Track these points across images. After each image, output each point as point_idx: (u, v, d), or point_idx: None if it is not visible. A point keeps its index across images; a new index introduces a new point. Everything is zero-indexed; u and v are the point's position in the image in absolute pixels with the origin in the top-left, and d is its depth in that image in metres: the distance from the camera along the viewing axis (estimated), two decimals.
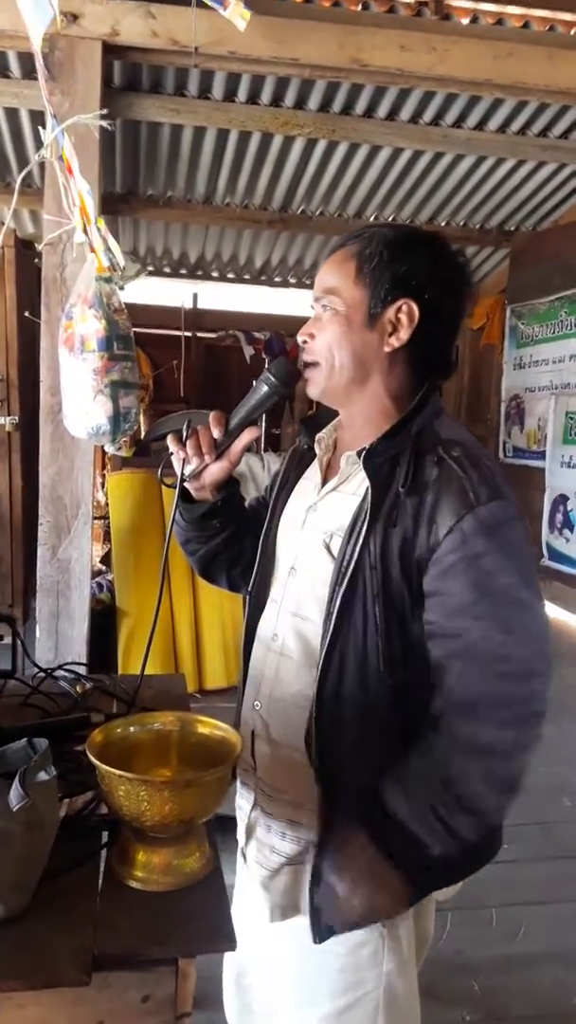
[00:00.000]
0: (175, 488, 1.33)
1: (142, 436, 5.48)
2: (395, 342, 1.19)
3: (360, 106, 3.77)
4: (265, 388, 1.28)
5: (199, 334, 7.12)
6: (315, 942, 1.18)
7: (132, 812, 0.96)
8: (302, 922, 1.23)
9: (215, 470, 1.31)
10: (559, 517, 5.07)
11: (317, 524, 1.23)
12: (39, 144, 2.19)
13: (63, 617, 3.03)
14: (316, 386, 1.24)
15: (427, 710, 1.14)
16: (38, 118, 3.28)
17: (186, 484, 1.33)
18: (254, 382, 1.30)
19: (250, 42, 2.85)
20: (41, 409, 2.93)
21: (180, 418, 1.36)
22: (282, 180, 4.68)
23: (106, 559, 4.44)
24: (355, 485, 1.20)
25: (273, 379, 1.27)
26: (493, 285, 6.45)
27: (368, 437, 1.18)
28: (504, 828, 3.00)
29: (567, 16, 3.84)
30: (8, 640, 1.67)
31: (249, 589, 1.36)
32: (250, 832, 1.30)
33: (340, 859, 1.13)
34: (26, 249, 4.30)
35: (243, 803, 1.33)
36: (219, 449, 1.30)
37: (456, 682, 1.11)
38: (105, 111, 2.64)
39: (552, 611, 5.48)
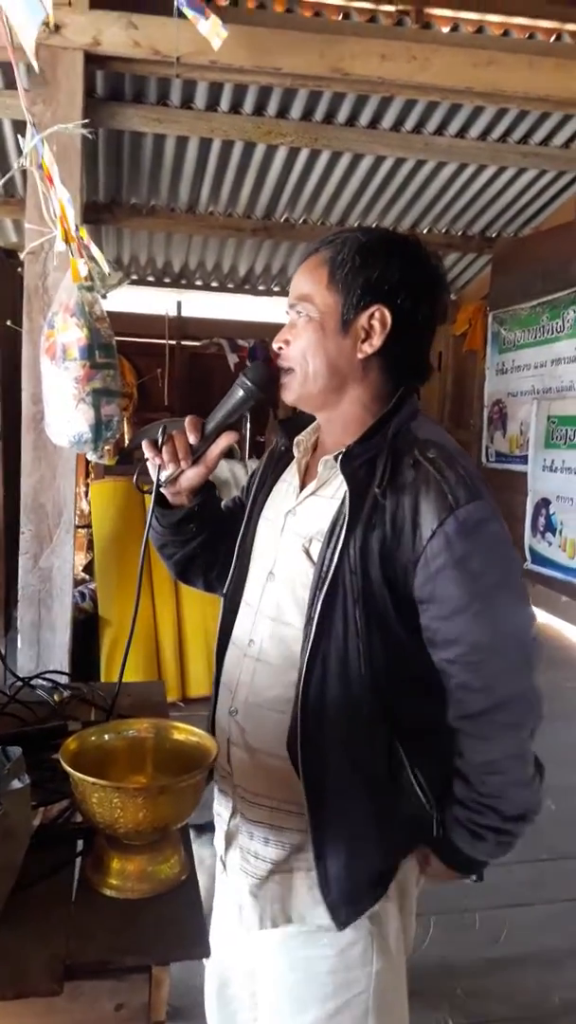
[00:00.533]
0: (151, 494, 1.33)
1: (125, 444, 5.48)
2: (368, 348, 1.17)
3: (342, 114, 3.79)
4: (241, 392, 1.27)
5: (183, 342, 7.13)
6: (339, 929, 1.18)
7: (106, 819, 0.96)
8: (290, 928, 1.22)
9: (191, 475, 1.31)
10: (541, 521, 5.10)
11: (297, 529, 1.23)
12: (21, 154, 2.19)
13: (45, 626, 3.02)
14: (291, 392, 1.23)
15: (416, 712, 1.16)
16: (22, 128, 3.29)
17: (162, 489, 1.32)
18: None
19: (232, 52, 2.86)
20: (23, 417, 2.93)
21: (161, 426, 1.35)
22: (265, 188, 4.70)
23: (89, 568, 4.43)
24: (333, 489, 1.19)
25: (249, 383, 1.26)
26: (475, 291, 6.49)
27: (346, 440, 1.18)
28: None
29: (546, 24, 3.89)
30: None
31: (224, 592, 1.35)
32: (231, 839, 1.29)
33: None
34: (8, 258, 4.31)
35: (222, 810, 1.32)
36: (195, 454, 1.30)
37: (460, 690, 1.14)
38: (86, 120, 2.65)
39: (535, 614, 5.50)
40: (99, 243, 5.40)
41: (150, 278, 6.32)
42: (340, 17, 3.19)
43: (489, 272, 6.03)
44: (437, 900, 2.53)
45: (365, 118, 3.83)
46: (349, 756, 1.16)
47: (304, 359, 1.20)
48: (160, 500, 1.35)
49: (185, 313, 7.11)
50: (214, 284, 6.46)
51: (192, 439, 1.29)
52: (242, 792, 1.25)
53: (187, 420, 1.29)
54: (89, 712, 1.49)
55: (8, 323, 3.19)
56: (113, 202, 4.80)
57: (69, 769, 0.96)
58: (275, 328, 1.29)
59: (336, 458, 1.15)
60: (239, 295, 6.49)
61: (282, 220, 5.15)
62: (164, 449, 1.28)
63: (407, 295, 1.17)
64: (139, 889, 0.99)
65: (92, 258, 2.37)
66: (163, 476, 1.30)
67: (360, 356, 1.18)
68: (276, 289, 6.39)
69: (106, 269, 2.41)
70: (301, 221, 5.16)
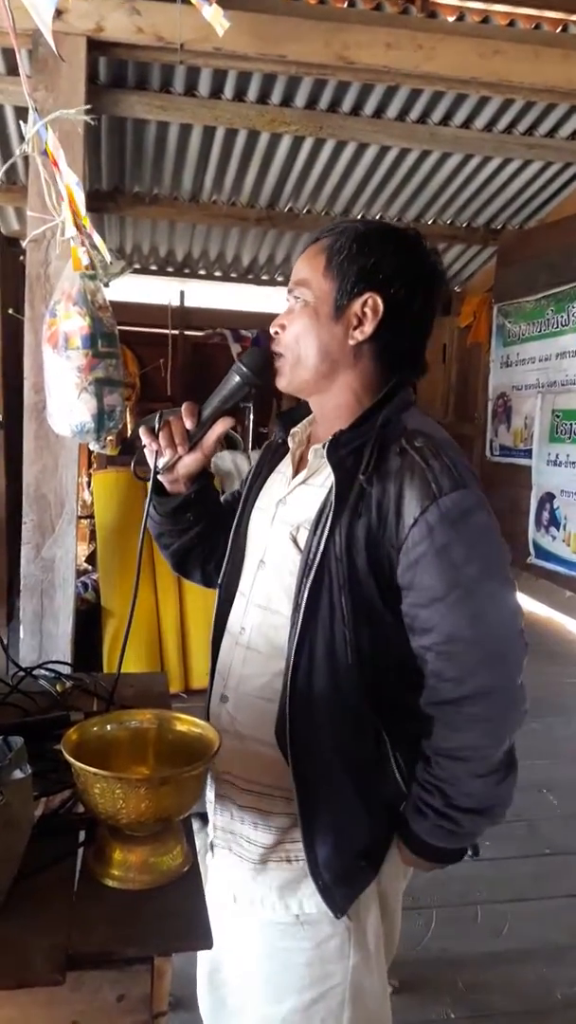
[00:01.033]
0: (148, 481, 1.32)
1: (128, 435, 5.47)
2: (359, 335, 1.18)
3: (347, 104, 3.77)
4: (236, 378, 1.27)
5: (186, 332, 7.11)
6: (337, 917, 1.19)
7: (108, 810, 0.95)
8: (269, 917, 1.24)
9: (189, 462, 1.31)
10: (545, 515, 5.09)
11: (285, 517, 1.24)
12: (24, 141, 2.18)
13: (47, 616, 3.02)
14: (283, 377, 1.24)
15: (400, 698, 1.17)
16: (24, 115, 3.27)
17: (160, 477, 1.32)
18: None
19: (236, 39, 2.84)
20: (25, 407, 2.92)
21: (158, 414, 1.35)
22: (269, 178, 4.67)
23: (91, 558, 4.43)
24: (323, 478, 1.20)
25: (245, 369, 1.26)
26: (480, 283, 6.47)
27: (337, 429, 1.19)
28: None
29: (553, 14, 3.87)
30: None
31: (219, 582, 1.36)
32: (220, 825, 1.30)
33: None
34: (10, 246, 4.29)
35: (212, 796, 1.33)
36: (192, 440, 1.30)
37: (433, 677, 1.14)
38: (89, 106, 2.63)
39: (538, 609, 5.50)
40: (102, 232, 5.39)
41: (153, 267, 6.30)
42: (345, 5, 3.16)
43: (494, 264, 6.01)
44: (440, 894, 2.54)
45: (370, 107, 3.81)
46: (336, 742, 1.17)
47: (296, 343, 1.21)
48: (158, 488, 1.35)
49: (188, 303, 7.09)
50: (217, 273, 6.44)
51: (189, 425, 1.29)
52: (231, 778, 1.26)
53: (183, 406, 1.30)
54: (91, 702, 1.48)
55: (10, 311, 3.18)
56: (116, 190, 4.78)
57: (71, 759, 0.96)
58: None
59: (324, 446, 1.16)
60: (242, 285, 6.47)
61: (286, 209, 5.13)
62: (161, 435, 1.28)
63: (401, 285, 1.18)
64: (141, 880, 0.98)
65: (94, 246, 2.36)
66: (160, 463, 1.30)
67: (351, 343, 1.19)
68: (279, 279, 6.37)
69: (107, 258, 2.39)
70: (305, 211, 5.15)
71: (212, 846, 1.32)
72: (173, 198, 4.94)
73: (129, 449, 5.04)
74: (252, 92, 3.65)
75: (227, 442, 5.08)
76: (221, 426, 1.29)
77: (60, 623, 3.04)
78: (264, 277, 6.43)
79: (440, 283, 1.24)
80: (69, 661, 2.81)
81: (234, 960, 1.39)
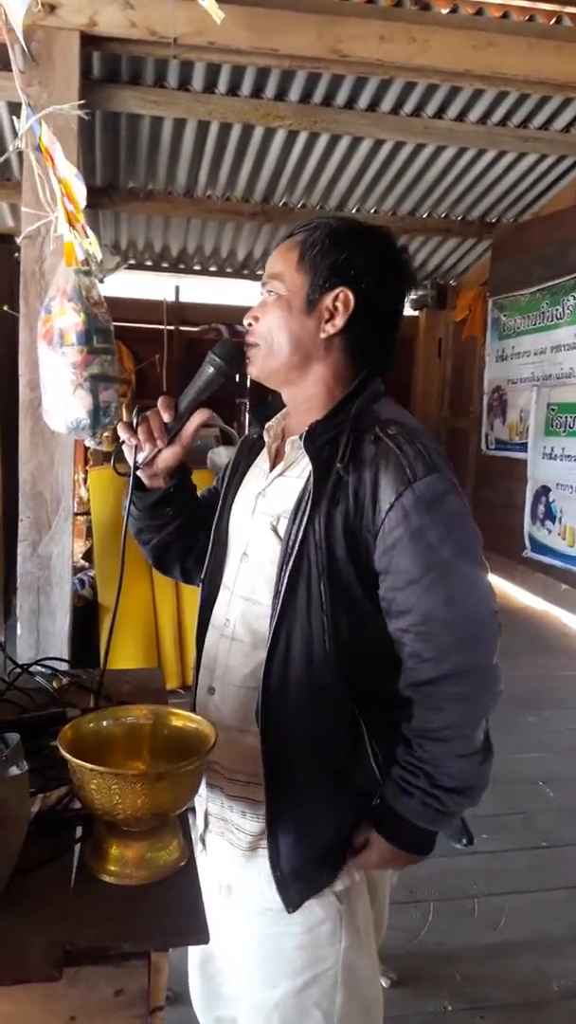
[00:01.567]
0: (128, 477, 1.33)
1: None
2: (331, 329, 1.21)
3: (341, 97, 3.76)
4: (211, 369, 1.29)
5: (181, 328, 7.10)
6: (289, 911, 1.21)
7: (104, 806, 0.95)
8: (260, 904, 1.25)
9: (167, 455, 1.32)
10: (541, 508, 5.09)
11: (265, 509, 1.26)
12: (17, 136, 2.17)
13: (44, 614, 3.01)
14: (256, 367, 1.26)
15: (378, 686, 1.19)
16: (17, 110, 3.26)
17: (139, 472, 1.33)
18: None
19: (229, 32, 2.83)
20: (20, 404, 2.91)
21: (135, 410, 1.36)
22: (263, 172, 4.67)
23: (88, 555, 4.42)
24: (300, 469, 1.23)
25: (219, 360, 1.28)
26: (475, 277, 6.47)
27: (310, 421, 1.22)
28: (486, 819, 3.01)
29: (546, 6, 3.84)
30: None
31: (202, 576, 1.38)
32: (209, 815, 1.32)
33: (366, 857, 1.22)
34: (4, 242, 4.27)
35: (202, 788, 1.34)
36: (170, 433, 1.31)
37: (411, 659, 1.16)
38: (83, 101, 2.62)
39: (534, 602, 5.51)
40: (96, 227, 5.37)
41: (148, 263, 6.29)
42: None
43: (489, 258, 6.01)
44: (437, 887, 2.55)
45: (364, 101, 3.81)
46: (312, 729, 1.19)
47: (270, 334, 1.23)
48: (137, 484, 1.36)
49: (183, 298, 7.07)
50: (212, 268, 6.43)
51: (166, 418, 1.30)
52: (220, 768, 1.28)
53: (159, 400, 1.31)
54: (88, 699, 1.48)
55: (5, 308, 3.17)
56: (110, 186, 4.77)
57: (67, 755, 0.96)
58: None
59: (300, 437, 1.19)
60: (237, 280, 6.47)
61: (280, 204, 5.12)
62: (140, 430, 1.29)
63: (372, 280, 1.21)
64: (138, 875, 0.99)
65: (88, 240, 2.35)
66: (140, 457, 1.30)
67: (323, 335, 1.22)
68: None
69: (99, 254, 2.38)
70: (300, 205, 5.14)
71: (203, 840, 1.34)
72: (168, 193, 4.93)
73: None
74: (246, 86, 3.64)
75: (223, 438, 5.08)
76: (198, 417, 1.31)
77: (57, 620, 3.04)
78: (259, 272, 6.40)
79: (408, 279, 1.28)
80: (66, 658, 2.81)
81: (229, 949, 1.40)
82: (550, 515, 5.01)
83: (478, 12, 3.28)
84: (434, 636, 1.14)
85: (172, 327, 7.07)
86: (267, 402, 1.39)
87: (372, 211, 5.28)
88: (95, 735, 1.08)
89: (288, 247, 1.25)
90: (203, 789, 1.32)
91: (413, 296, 7.15)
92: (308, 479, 1.17)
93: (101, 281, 2.56)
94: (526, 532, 5.20)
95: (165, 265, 6.35)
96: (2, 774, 0.90)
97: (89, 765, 0.94)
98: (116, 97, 3.50)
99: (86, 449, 4.98)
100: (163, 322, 6.98)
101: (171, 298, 7.02)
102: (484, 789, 1.21)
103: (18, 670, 1.54)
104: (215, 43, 2.92)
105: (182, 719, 1.11)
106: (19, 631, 3.04)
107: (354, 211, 5.23)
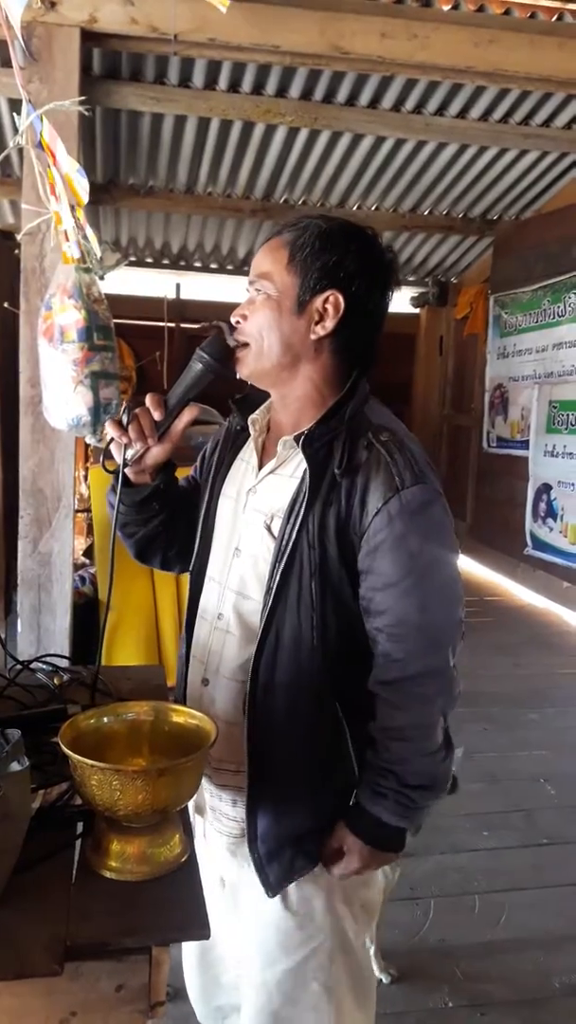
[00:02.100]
0: (116, 473, 1.33)
1: None
2: (321, 331, 1.23)
3: (342, 94, 3.75)
4: (199, 366, 1.29)
5: (182, 324, 7.09)
6: (269, 895, 1.25)
7: (105, 802, 0.96)
8: (251, 887, 1.28)
9: (156, 452, 1.33)
10: (542, 506, 5.09)
11: (258, 506, 1.29)
12: (17, 132, 2.17)
13: (45, 611, 3.01)
14: (246, 366, 1.28)
15: (360, 681, 1.23)
16: (18, 108, 3.26)
17: (127, 469, 1.33)
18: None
19: (230, 28, 2.83)
20: (21, 401, 2.91)
21: (124, 407, 1.36)
22: (264, 169, 4.66)
23: (89, 552, 4.42)
24: (292, 468, 1.26)
25: (207, 357, 1.28)
26: (476, 274, 6.46)
27: (301, 420, 1.26)
28: (487, 816, 3.01)
29: (548, 3, 3.83)
30: None
31: (191, 569, 1.41)
32: (201, 805, 1.36)
33: (338, 858, 1.26)
34: (4, 239, 4.28)
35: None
36: (160, 430, 1.32)
37: (382, 658, 1.21)
38: (83, 97, 2.61)
39: (535, 600, 5.51)
40: (96, 224, 5.37)
41: (148, 260, 6.28)
42: None
43: (490, 255, 6.00)
44: (437, 884, 2.55)
45: (365, 97, 3.80)
46: (296, 721, 1.23)
47: (260, 335, 1.25)
48: (124, 480, 1.36)
49: (184, 295, 7.07)
50: (213, 266, 6.42)
51: (157, 416, 1.31)
52: (210, 758, 1.29)
53: (148, 397, 1.31)
54: (89, 696, 1.48)
55: (5, 305, 3.17)
56: (111, 183, 4.76)
57: (68, 752, 0.96)
58: None
59: (297, 440, 1.21)
60: (238, 277, 6.45)
61: (281, 201, 5.11)
62: (131, 428, 1.30)
63: (361, 283, 1.23)
64: (139, 871, 0.99)
65: (86, 238, 2.35)
66: (129, 454, 1.31)
67: (313, 337, 1.24)
68: None
69: (97, 252, 2.37)
70: (300, 202, 5.13)
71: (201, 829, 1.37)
72: (168, 190, 4.92)
73: None
74: (247, 83, 3.63)
75: None
76: (188, 414, 1.32)
77: (57, 617, 3.04)
78: None
79: (394, 282, 1.30)
80: (67, 655, 2.81)
81: (229, 937, 1.43)
82: (551, 513, 5.01)
83: (480, 9, 3.27)
84: (404, 639, 1.20)
85: (172, 324, 7.07)
86: (248, 393, 1.39)
87: (373, 208, 5.28)
88: (96, 731, 1.08)
89: (276, 246, 1.25)
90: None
91: (414, 294, 7.15)
92: (302, 480, 1.20)
93: (101, 278, 2.55)
94: (527, 530, 5.20)
95: (166, 262, 6.34)
96: (3, 770, 0.91)
97: (90, 761, 0.94)
98: (116, 94, 3.49)
99: (86, 446, 4.98)
100: (164, 319, 6.98)
101: (171, 295, 7.02)
102: (448, 782, 1.27)
103: (19, 666, 1.55)
104: (216, 39, 2.91)
105: (183, 715, 1.12)
106: (19, 628, 3.05)
107: (355, 208, 5.23)
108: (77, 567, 3.86)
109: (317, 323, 1.23)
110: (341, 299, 1.21)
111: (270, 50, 3.02)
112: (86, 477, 4.58)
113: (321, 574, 1.19)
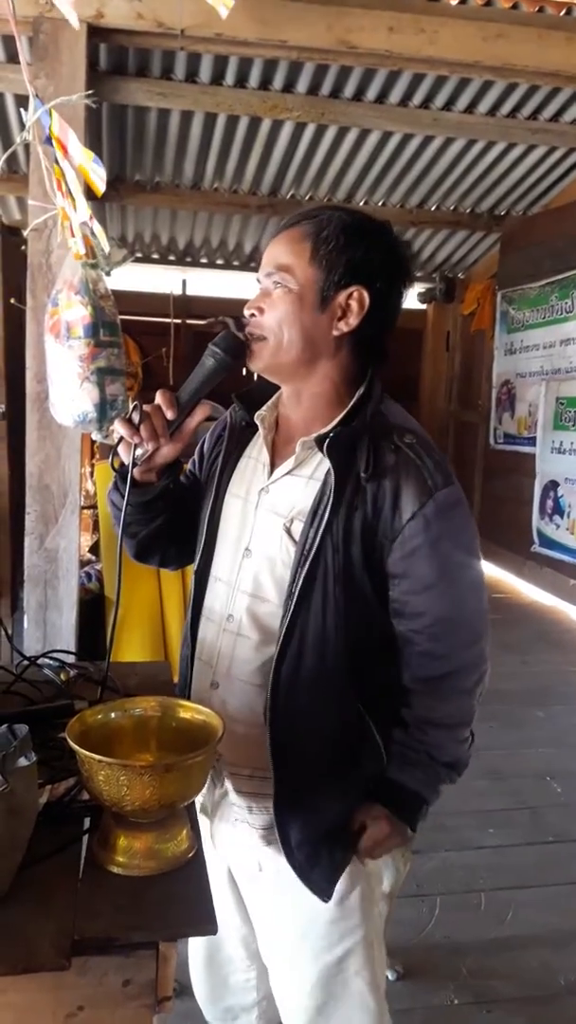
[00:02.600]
0: (123, 473, 1.29)
1: None
2: (344, 327, 1.20)
3: (349, 89, 3.74)
4: (212, 362, 1.26)
5: (188, 321, 7.09)
6: (325, 901, 1.23)
7: (113, 797, 0.96)
8: (286, 887, 1.25)
9: (166, 452, 1.28)
10: (549, 503, 5.08)
11: (273, 507, 1.25)
12: (24, 128, 2.16)
13: (51, 607, 3.02)
14: (261, 360, 1.24)
15: (379, 677, 1.23)
16: (25, 103, 3.26)
17: (135, 469, 1.29)
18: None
19: (237, 24, 2.82)
20: (27, 397, 2.91)
21: (134, 405, 1.32)
22: (271, 164, 4.65)
23: (95, 548, 4.42)
24: (311, 469, 1.23)
25: (220, 352, 1.25)
26: (484, 270, 6.44)
27: (316, 419, 1.23)
28: (493, 813, 3.01)
29: None
30: None
31: (195, 568, 1.37)
32: (216, 809, 1.33)
33: (374, 832, 1.25)
34: (11, 235, 4.28)
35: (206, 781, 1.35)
36: (171, 429, 1.27)
37: (422, 657, 1.22)
38: (90, 92, 2.61)
39: (542, 597, 5.50)
40: (103, 220, 5.36)
41: (155, 256, 6.28)
42: None
43: (498, 251, 5.98)
44: (443, 881, 2.55)
45: (372, 92, 3.78)
46: (320, 722, 1.22)
47: (280, 329, 1.21)
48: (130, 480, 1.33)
49: (190, 291, 7.06)
50: (219, 261, 6.42)
51: (169, 415, 1.26)
52: (224, 763, 1.29)
53: (159, 395, 1.27)
54: (96, 691, 1.48)
55: (12, 301, 3.17)
56: (117, 179, 4.75)
57: (76, 747, 0.96)
58: None
59: (319, 442, 1.18)
60: (244, 272, 6.44)
61: (288, 196, 5.10)
62: (142, 428, 1.25)
63: (384, 279, 1.21)
64: (146, 866, 0.99)
65: (93, 234, 2.34)
66: (138, 454, 1.26)
67: (335, 333, 1.21)
68: None
69: (105, 247, 2.37)
70: (307, 197, 5.12)
71: (210, 833, 1.35)
72: (175, 186, 4.91)
73: None
74: (254, 78, 3.62)
75: None
76: (201, 412, 1.28)
77: (64, 613, 3.04)
78: None
79: (412, 278, 1.29)
80: (73, 650, 2.81)
81: (239, 938, 1.44)
82: (559, 510, 4.99)
83: (487, 3, 3.26)
84: (445, 635, 1.21)
85: (179, 320, 7.07)
86: (250, 388, 1.36)
87: (380, 203, 5.26)
88: (103, 727, 1.08)
89: (296, 238, 1.21)
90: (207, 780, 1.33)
91: (421, 289, 7.13)
92: (324, 483, 1.18)
93: (108, 274, 2.54)
94: (534, 527, 5.18)
95: (172, 258, 6.34)
96: (11, 766, 0.91)
97: (97, 756, 0.94)
98: (123, 89, 3.48)
99: (92, 442, 4.98)
100: (170, 315, 6.98)
101: (178, 291, 7.02)
102: (466, 767, 1.30)
103: (26, 662, 1.55)
104: (222, 35, 2.91)
105: (190, 711, 1.11)
106: (26, 624, 3.05)
107: (362, 203, 5.21)
108: (83, 563, 3.87)
109: (340, 319, 1.20)
110: (366, 295, 1.19)
111: (277, 45, 3.01)
112: (92, 473, 4.58)
113: (345, 578, 1.17)
